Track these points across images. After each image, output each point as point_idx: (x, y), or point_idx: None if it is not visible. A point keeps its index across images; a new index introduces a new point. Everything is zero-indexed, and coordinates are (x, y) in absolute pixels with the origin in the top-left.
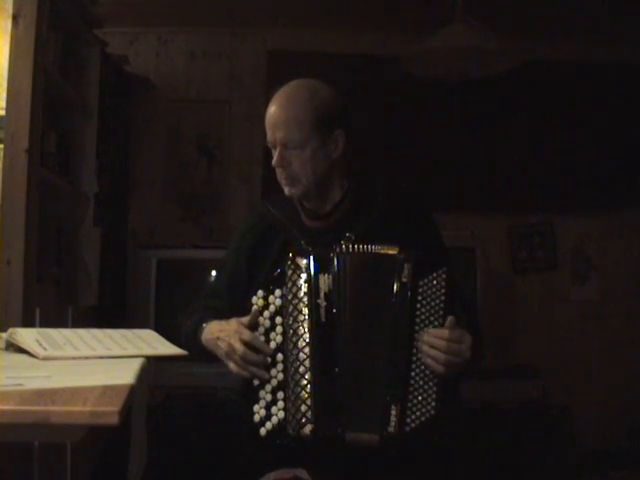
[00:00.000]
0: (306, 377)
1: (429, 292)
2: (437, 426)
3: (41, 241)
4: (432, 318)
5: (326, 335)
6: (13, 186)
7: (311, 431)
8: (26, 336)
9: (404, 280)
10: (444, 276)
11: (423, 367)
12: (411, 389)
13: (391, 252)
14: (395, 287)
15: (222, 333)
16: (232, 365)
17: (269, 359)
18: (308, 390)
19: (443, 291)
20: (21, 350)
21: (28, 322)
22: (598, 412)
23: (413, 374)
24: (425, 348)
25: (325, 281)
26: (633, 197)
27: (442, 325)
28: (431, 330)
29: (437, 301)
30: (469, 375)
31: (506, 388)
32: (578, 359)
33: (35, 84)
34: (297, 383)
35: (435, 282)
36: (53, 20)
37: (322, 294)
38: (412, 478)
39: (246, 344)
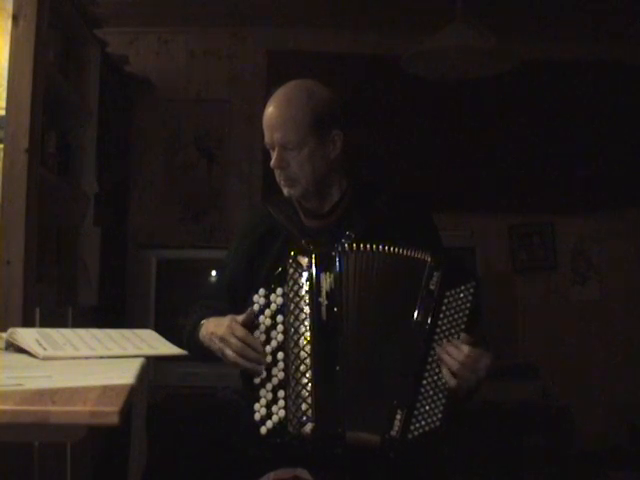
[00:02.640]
0: (307, 375)
1: (454, 304)
2: (439, 438)
3: (41, 241)
4: (453, 330)
5: (327, 334)
6: (13, 186)
7: (312, 430)
8: (26, 336)
9: (431, 288)
10: (472, 290)
11: (436, 378)
12: (420, 397)
13: (422, 257)
14: (420, 293)
15: (216, 329)
16: (227, 359)
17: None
18: (309, 389)
19: (468, 305)
20: (21, 350)
21: (28, 322)
22: (598, 412)
23: (424, 382)
24: (444, 356)
25: (327, 279)
26: (633, 197)
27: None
28: (454, 341)
29: (460, 314)
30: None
31: (506, 388)
32: (578, 359)
33: (35, 84)
34: (298, 381)
35: (462, 295)
36: (53, 20)
37: (324, 292)
38: (412, 478)
39: (240, 340)
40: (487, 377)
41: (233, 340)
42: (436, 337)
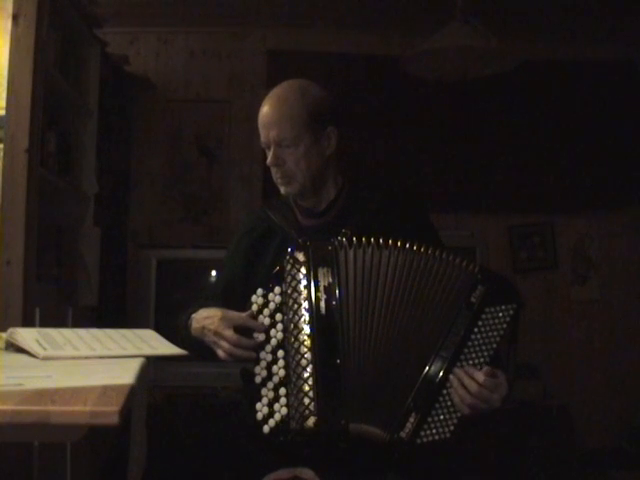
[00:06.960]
0: (308, 370)
1: (491, 322)
2: (446, 450)
3: (41, 241)
4: (484, 347)
5: (327, 327)
6: (13, 186)
7: (314, 423)
8: (26, 336)
9: (473, 300)
10: (511, 312)
11: None
12: (437, 405)
13: (468, 266)
14: (458, 303)
15: (207, 321)
16: (220, 352)
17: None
18: (310, 383)
19: (505, 326)
20: (21, 350)
21: (28, 322)
22: (598, 412)
23: (444, 392)
24: (455, 384)
25: (325, 274)
26: (633, 197)
27: (491, 358)
28: (468, 369)
29: (494, 333)
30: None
31: None
32: (578, 359)
33: (35, 84)
34: (299, 376)
35: (501, 314)
36: (53, 20)
37: (322, 286)
38: (413, 478)
39: (237, 328)
40: (502, 406)
41: (227, 333)
42: (466, 350)
